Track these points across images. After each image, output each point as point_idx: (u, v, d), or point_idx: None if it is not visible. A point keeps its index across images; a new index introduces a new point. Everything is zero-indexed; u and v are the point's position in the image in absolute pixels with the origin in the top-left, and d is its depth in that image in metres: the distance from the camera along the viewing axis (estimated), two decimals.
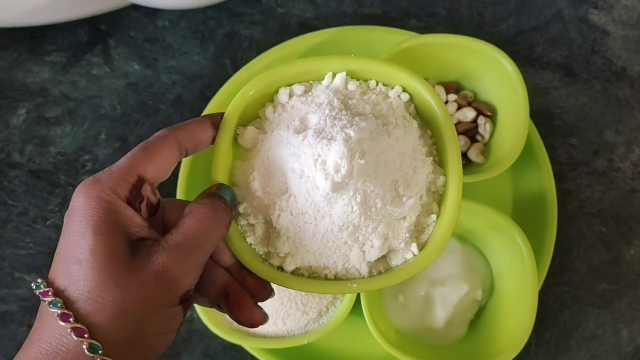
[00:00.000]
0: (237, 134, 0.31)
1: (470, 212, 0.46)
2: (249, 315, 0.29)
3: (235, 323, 0.30)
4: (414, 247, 0.31)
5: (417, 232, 0.31)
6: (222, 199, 0.28)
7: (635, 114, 0.53)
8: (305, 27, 0.56)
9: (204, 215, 0.26)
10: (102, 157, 0.53)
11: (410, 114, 0.32)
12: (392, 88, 0.33)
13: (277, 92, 0.32)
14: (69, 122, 0.54)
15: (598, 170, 0.51)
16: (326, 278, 0.31)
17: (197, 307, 0.45)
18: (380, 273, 0.31)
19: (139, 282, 0.24)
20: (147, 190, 0.27)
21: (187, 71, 0.55)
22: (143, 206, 0.27)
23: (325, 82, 0.32)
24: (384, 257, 0.31)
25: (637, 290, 0.48)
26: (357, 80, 0.32)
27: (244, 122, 0.32)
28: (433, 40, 0.49)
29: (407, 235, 0.31)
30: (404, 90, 0.33)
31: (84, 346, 0.23)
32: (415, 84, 0.32)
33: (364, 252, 0.31)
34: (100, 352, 0.23)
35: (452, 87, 0.51)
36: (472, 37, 0.54)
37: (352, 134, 0.28)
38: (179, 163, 0.39)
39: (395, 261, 0.31)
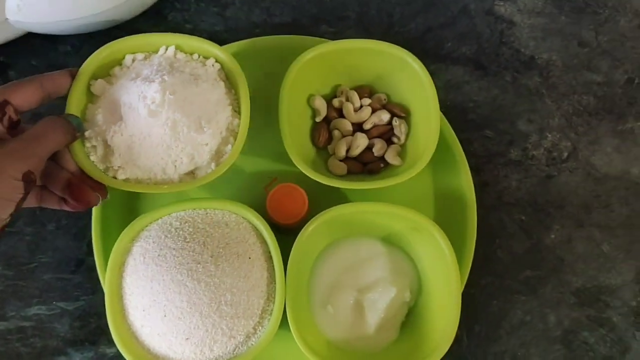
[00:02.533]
0: (90, 85, 0.44)
1: (391, 215, 0.46)
2: (86, 196, 0.41)
3: None
4: (213, 165, 0.44)
5: (217, 155, 0.44)
6: (65, 119, 0.40)
7: (546, 101, 0.54)
8: (214, 41, 0.54)
9: (44, 122, 0.39)
10: None
11: (219, 77, 0.46)
12: (208, 59, 0.46)
13: (124, 57, 0.45)
14: None
15: (514, 160, 0.52)
16: (149, 184, 0.43)
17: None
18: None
19: None
20: (10, 110, 0.38)
21: None
22: (5, 119, 0.38)
23: (160, 52, 0.46)
24: (192, 171, 0.44)
25: (560, 274, 0.50)
26: (185, 53, 0.46)
27: (96, 78, 0.45)
28: (341, 46, 0.49)
29: (209, 157, 0.44)
30: (217, 61, 0.46)
31: None
32: (223, 57, 0.46)
33: (175, 166, 0.43)
34: None
35: (365, 91, 0.51)
36: (383, 37, 0.55)
37: (166, 78, 0.41)
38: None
39: (199, 175, 0.44)
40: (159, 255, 0.43)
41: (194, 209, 0.46)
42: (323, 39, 0.52)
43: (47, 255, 0.50)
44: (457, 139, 0.50)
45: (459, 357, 0.48)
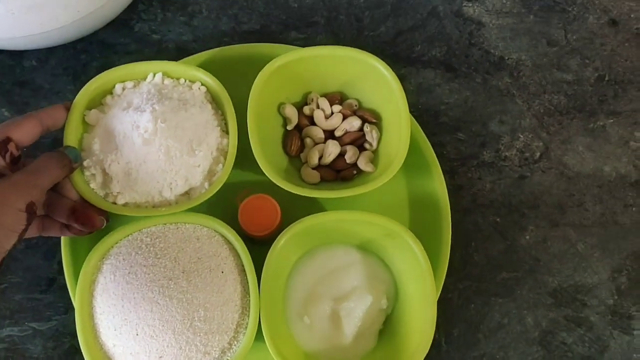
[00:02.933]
0: (85, 115, 0.46)
1: (364, 223, 0.46)
2: (92, 220, 0.43)
3: None
4: (206, 185, 0.45)
5: (210, 175, 0.46)
6: (63, 153, 0.42)
7: (517, 102, 0.54)
8: (183, 51, 0.54)
9: (44, 157, 0.41)
10: None
11: (206, 100, 0.48)
12: (194, 83, 0.48)
13: (114, 86, 0.47)
14: None
15: (487, 161, 0.52)
16: (147, 208, 0.45)
17: None
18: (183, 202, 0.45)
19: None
20: (12, 146, 0.40)
21: None
22: (7, 155, 0.40)
23: (148, 79, 0.47)
24: (187, 192, 0.46)
25: (536, 274, 0.50)
26: (172, 78, 0.48)
27: (90, 108, 0.46)
28: (309, 53, 0.48)
29: (202, 178, 0.46)
30: (202, 85, 0.48)
31: None
32: (208, 80, 0.47)
33: (171, 188, 0.45)
34: None
35: (335, 97, 0.50)
36: (353, 42, 0.55)
37: (157, 107, 0.44)
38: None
39: (193, 195, 0.46)
40: (129, 272, 0.42)
41: (165, 224, 0.45)
42: (292, 46, 0.51)
43: (17, 275, 0.49)
44: (429, 142, 0.49)
45: None
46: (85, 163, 0.45)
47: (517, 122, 0.53)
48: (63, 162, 0.41)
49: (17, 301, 0.48)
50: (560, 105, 0.54)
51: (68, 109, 0.45)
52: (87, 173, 0.45)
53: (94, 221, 0.43)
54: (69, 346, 0.48)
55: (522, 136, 0.53)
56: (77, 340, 0.42)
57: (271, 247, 0.44)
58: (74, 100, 0.46)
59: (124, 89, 0.47)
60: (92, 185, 0.45)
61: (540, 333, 0.48)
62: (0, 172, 0.40)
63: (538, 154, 0.52)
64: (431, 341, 0.43)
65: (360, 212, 0.45)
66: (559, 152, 0.53)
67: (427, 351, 0.43)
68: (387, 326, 0.47)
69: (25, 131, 0.41)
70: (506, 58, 0.55)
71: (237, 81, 0.48)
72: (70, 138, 0.45)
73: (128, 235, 0.45)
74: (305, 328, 0.46)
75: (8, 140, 0.40)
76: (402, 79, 0.48)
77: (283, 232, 0.44)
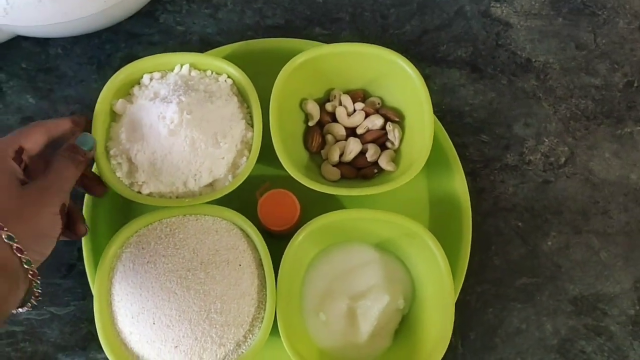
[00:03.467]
0: (112, 104, 0.46)
1: (384, 222, 0.45)
2: (78, 230, 0.42)
3: None
4: (230, 177, 0.46)
5: (234, 167, 0.46)
6: (74, 149, 0.41)
7: (543, 105, 0.53)
8: (207, 43, 0.54)
9: (58, 159, 0.40)
10: None
11: (232, 92, 0.48)
12: (221, 75, 0.48)
13: (142, 77, 0.48)
14: None
15: (510, 165, 0.51)
16: (171, 198, 0.45)
17: None
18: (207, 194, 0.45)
19: (28, 194, 0.37)
20: (25, 156, 0.40)
21: (85, 99, 0.52)
22: (22, 165, 0.40)
23: (175, 71, 0.48)
24: (210, 184, 0.46)
25: (557, 281, 0.49)
26: (199, 70, 0.48)
27: (117, 98, 0.47)
28: (333, 50, 0.48)
29: (226, 170, 0.46)
30: (229, 77, 0.48)
31: (3, 236, 0.34)
32: (235, 73, 0.47)
33: (195, 179, 0.45)
34: (15, 240, 0.34)
35: (358, 95, 0.50)
36: (377, 40, 0.54)
37: (183, 99, 0.44)
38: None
39: (217, 186, 0.46)
40: (148, 261, 0.43)
41: (185, 215, 0.45)
42: (316, 42, 0.51)
43: None
44: (452, 143, 0.49)
45: None
46: (112, 152, 0.45)
47: (542, 125, 0.52)
48: (77, 160, 0.41)
49: None
50: (587, 110, 0.53)
51: (75, 123, 0.44)
52: (113, 162, 0.45)
53: (79, 230, 0.42)
54: (86, 332, 0.48)
55: (547, 140, 0.52)
56: (94, 326, 0.42)
57: (289, 243, 0.44)
58: (102, 90, 0.46)
59: (151, 79, 0.48)
60: (118, 174, 0.45)
61: (559, 340, 0.48)
62: (20, 178, 0.39)
63: (563, 159, 0.51)
64: (448, 343, 0.42)
65: (380, 211, 0.45)
66: (585, 158, 0.52)
67: (443, 353, 0.42)
68: (403, 326, 0.46)
69: (34, 141, 0.41)
70: (533, 60, 0.54)
71: (260, 76, 0.48)
72: (99, 126, 0.45)
73: (148, 225, 0.45)
74: (320, 325, 0.45)
75: (21, 150, 0.40)
76: (426, 78, 0.47)
77: (302, 228, 0.44)
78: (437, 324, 0.44)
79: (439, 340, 0.43)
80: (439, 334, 0.43)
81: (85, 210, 0.48)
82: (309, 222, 0.44)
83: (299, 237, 0.44)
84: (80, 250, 0.47)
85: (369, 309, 0.45)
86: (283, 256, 0.44)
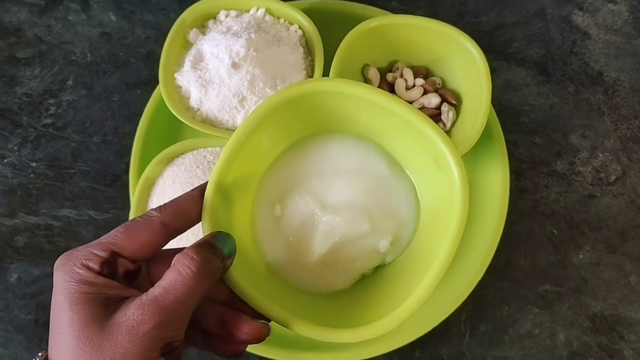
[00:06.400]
0: (187, 33, 0.49)
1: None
2: (251, 330, 0.30)
3: None
4: None
5: None
6: (213, 248, 0.28)
7: (605, 120, 0.52)
8: None
9: (186, 268, 0.27)
10: (66, 103, 0.53)
11: (300, 43, 0.49)
12: (292, 25, 0.50)
13: (219, 12, 0.50)
14: (39, 64, 0.54)
15: (558, 171, 0.51)
16: (221, 129, 0.46)
17: None
18: None
19: (113, 342, 0.25)
20: (123, 264, 0.28)
21: (162, 27, 0.55)
22: (119, 275, 0.28)
23: (251, 12, 0.50)
24: None
25: (580, 295, 0.48)
26: (273, 16, 0.50)
27: (193, 27, 0.49)
28: (404, 21, 0.48)
29: None
30: (300, 28, 0.50)
31: None
32: (307, 25, 0.49)
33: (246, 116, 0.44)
34: None
35: (421, 71, 0.50)
36: (451, 24, 0.54)
37: (253, 36, 0.46)
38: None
39: None
40: (187, 182, 0.45)
41: None
42: (387, 12, 0.52)
43: (87, 165, 0.52)
44: (503, 137, 0.49)
45: (458, 352, 0.47)
46: (176, 75, 0.48)
47: (600, 140, 0.51)
48: (211, 269, 0.27)
49: (82, 188, 0.52)
50: None
51: (203, 195, 0.31)
52: (177, 84, 0.48)
53: (254, 330, 0.30)
54: None
55: (601, 155, 0.51)
56: None
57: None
58: (179, 18, 0.48)
59: (227, 15, 0.50)
60: (178, 97, 0.47)
61: (569, 353, 0.47)
62: (116, 298, 0.27)
63: (614, 177, 0.50)
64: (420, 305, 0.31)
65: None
66: (636, 181, 0.50)
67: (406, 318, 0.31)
68: (376, 278, 0.36)
69: (139, 244, 0.28)
70: (605, 75, 0.53)
71: (328, 35, 0.49)
72: (170, 53, 0.48)
73: (194, 150, 0.47)
74: (273, 222, 0.36)
75: (115, 256, 0.28)
76: (491, 71, 0.47)
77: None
78: (423, 274, 0.31)
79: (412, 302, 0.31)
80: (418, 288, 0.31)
81: (138, 133, 0.49)
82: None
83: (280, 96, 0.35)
84: (127, 164, 0.50)
85: (334, 228, 0.34)
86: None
